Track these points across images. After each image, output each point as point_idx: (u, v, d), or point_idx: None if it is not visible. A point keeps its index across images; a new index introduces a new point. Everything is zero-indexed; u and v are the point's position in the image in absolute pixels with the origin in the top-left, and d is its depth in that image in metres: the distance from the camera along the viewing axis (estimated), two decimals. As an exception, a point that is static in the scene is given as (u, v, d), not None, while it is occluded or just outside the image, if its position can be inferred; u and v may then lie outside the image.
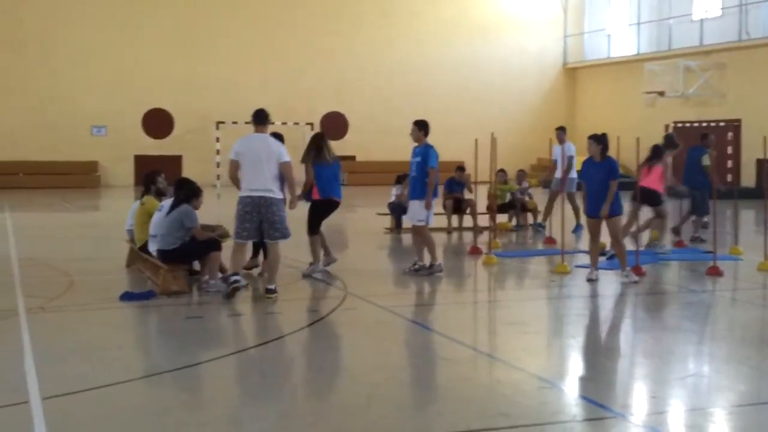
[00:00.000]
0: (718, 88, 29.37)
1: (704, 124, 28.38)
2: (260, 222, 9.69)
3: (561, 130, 16.82)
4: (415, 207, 11.60)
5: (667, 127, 28.87)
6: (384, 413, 6.03)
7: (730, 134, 25.10)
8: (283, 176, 9.79)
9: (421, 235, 11.81)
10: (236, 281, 9.64)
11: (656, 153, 13.87)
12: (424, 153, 11.50)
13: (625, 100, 33.31)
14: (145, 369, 7.24)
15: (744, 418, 6.10)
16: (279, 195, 9.77)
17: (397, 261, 14.45)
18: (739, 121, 28.23)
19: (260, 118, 9.92)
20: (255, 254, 11.67)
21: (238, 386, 6.89)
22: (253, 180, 9.62)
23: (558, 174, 16.23)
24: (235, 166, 9.85)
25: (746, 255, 13.28)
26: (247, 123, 11.17)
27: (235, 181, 9.91)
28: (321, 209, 11.77)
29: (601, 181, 10.98)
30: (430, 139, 11.74)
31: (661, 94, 30.46)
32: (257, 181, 9.59)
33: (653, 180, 13.61)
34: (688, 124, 30.44)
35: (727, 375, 7.30)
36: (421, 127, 11.67)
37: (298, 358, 7.74)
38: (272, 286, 9.87)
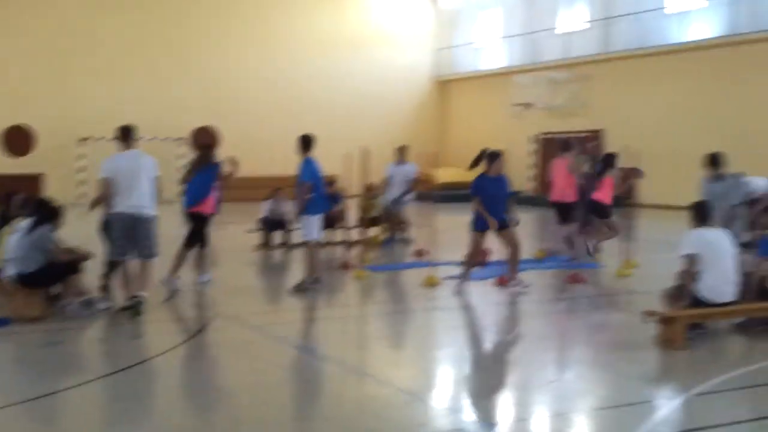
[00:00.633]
0: (584, 99, 30.35)
1: (570, 135, 29.32)
2: (132, 239, 9.72)
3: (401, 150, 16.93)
4: (302, 223, 11.80)
5: (536, 137, 29.66)
6: (249, 435, 5.94)
7: (592, 144, 25.93)
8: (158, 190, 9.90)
9: (308, 249, 11.85)
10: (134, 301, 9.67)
11: (608, 163, 13.99)
12: (301, 168, 11.62)
13: (495, 111, 34.05)
14: (-2, 400, 6.89)
15: (604, 421, 6.27)
16: (154, 212, 9.86)
17: (267, 278, 14.33)
18: (602, 131, 29.25)
19: (128, 135, 9.93)
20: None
21: (99, 413, 6.64)
22: (128, 197, 9.63)
23: (393, 193, 16.40)
24: (108, 185, 9.75)
25: (608, 262, 13.73)
26: (109, 140, 10.95)
27: (107, 199, 9.80)
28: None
29: (504, 195, 11.39)
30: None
31: (529, 105, 31.27)
32: (131, 199, 9.62)
33: (604, 193, 13.74)
34: (554, 135, 31.39)
35: (588, 380, 7.52)
36: (300, 141, 11.78)
37: (164, 381, 7.52)
38: (143, 293, 9.78)
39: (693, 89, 27.14)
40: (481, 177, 11.42)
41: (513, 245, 11.40)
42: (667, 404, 6.54)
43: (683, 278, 8.50)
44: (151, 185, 9.82)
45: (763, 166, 22.24)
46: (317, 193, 11.58)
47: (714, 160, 11.48)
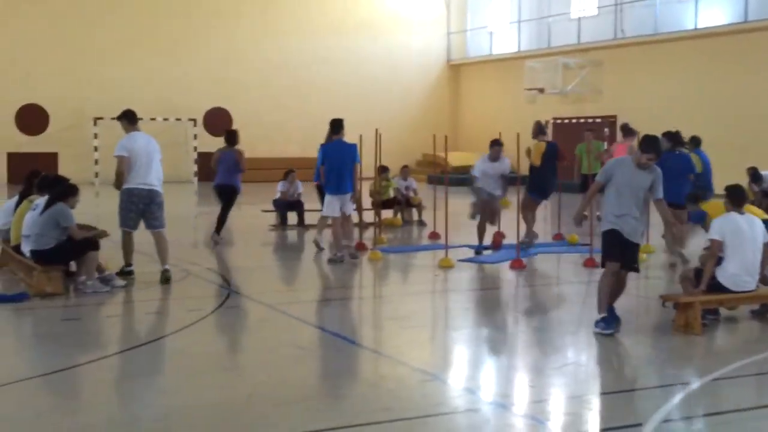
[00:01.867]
0: (595, 85, 30.25)
1: (582, 121, 29.24)
2: (143, 213, 10.53)
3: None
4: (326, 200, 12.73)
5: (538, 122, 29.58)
6: (265, 411, 5.97)
7: (606, 130, 25.80)
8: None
9: (332, 226, 12.83)
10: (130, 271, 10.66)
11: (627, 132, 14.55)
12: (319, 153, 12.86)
13: (507, 96, 33.97)
14: (17, 373, 6.92)
15: (620, 405, 6.29)
16: (161, 189, 10.67)
17: (281, 258, 14.37)
18: (614, 117, 29.16)
19: (135, 118, 10.72)
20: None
21: (116, 389, 6.69)
22: (146, 175, 10.42)
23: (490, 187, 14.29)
24: (127, 162, 10.39)
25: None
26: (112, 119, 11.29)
27: (122, 176, 10.45)
28: None
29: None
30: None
31: (541, 90, 31.19)
32: (149, 177, 10.44)
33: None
34: (566, 120, 31.30)
35: (604, 363, 7.54)
36: (330, 126, 12.80)
37: (180, 358, 7.55)
38: (167, 267, 10.60)
39: (705, 76, 27.02)
40: None
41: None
42: (683, 389, 6.54)
43: (706, 262, 8.45)
44: (160, 165, 10.69)
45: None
46: (337, 174, 12.35)
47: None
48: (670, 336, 8.15)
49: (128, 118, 10.70)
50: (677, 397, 6.27)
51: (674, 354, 7.77)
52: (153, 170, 10.50)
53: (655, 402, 6.11)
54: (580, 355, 7.75)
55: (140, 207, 10.51)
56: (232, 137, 14.72)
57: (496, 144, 13.21)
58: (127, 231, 10.70)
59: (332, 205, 12.52)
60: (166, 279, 10.43)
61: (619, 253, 8.11)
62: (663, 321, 8.52)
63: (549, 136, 14.42)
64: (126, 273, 10.61)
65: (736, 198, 8.51)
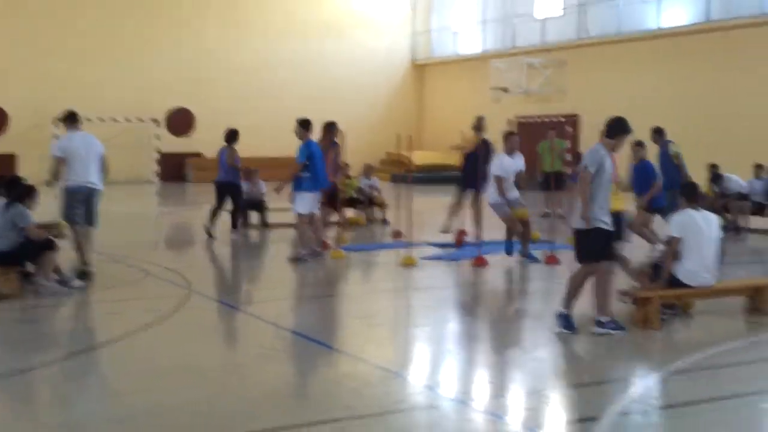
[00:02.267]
0: (559, 84, 30.41)
1: (546, 120, 29.40)
2: (85, 209, 10.62)
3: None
4: (295, 199, 12.53)
5: (508, 121, 29.75)
6: (229, 411, 5.92)
7: (569, 129, 25.97)
8: (104, 166, 10.90)
9: (300, 224, 12.63)
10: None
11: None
12: (299, 149, 12.49)
13: (472, 96, 34.05)
14: (-29, 376, 6.83)
15: (580, 398, 6.32)
16: (101, 187, 10.79)
17: (243, 258, 14.29)
18: (577, 116, 29.36)
19: (76, 119, 10.97)
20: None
21: (74, 391, 6.59)
22: (85, 174, 10.58)
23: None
24: (62, 163, 10.62)
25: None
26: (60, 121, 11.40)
27: (56, 176, 10.69)
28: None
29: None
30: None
31: (506, 90, 31.30)
32: (88, 175, 10.59)
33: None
34: (531, 120, 31.46)
35: (564, 357, 7.58)
36: (301, 125, 12.65)
37: (139, 359, 7.47)
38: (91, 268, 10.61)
39: (667, 75, 27.27)
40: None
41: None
42: (641, 382, 6.60)
43: (665, 258, 8.51)
44: (99, 163, 10.77)
45: (735, 150, 22.48)
46: (313, 172, 12.36)
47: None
48: (628, 330, 8.20)
49: (68, 120, 11.00)
50: (635, 391, 6.32)
51: (633, 348, 7.83)
52: (92, 169, 10.65)
53: (612, 395, 6.15)
54: (539, 350, 7.78)
55: (82, 203, 10.63)
56: (228, 135, 15.88)
57: (512, 135, 12.59)
58: (74, 226, 10.71)
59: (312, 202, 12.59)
60: (84, 275, 10.36)
61: (611, 251, 8.16)
62: (621, 316, 8.57)
63: (485, 134, 14.20)
64: (83, 274, 10.45)
65: (690, 195, 8.60)
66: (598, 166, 7.88)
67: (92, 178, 10.65)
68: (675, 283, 8.42)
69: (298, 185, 12.38)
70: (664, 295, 8.38)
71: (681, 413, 5.91)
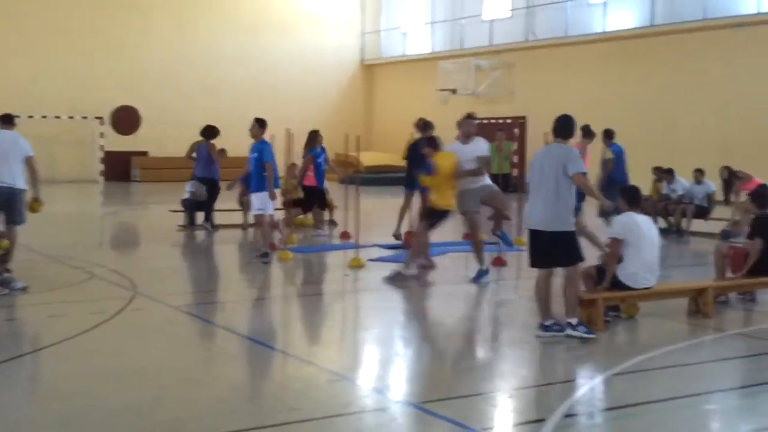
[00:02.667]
0: (507, 86, 30.62)
1: (493, 121, 29.60)
2: (2, 208, 10.28)
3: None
4: (255, 199, 12.63)
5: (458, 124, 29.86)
6: (173, 414, 5.87)
7: (516, 131, 26.25)
8: (32, 169, 10.55)
9: (260, 224, 12.74)
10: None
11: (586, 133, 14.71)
12: (261, 149, 12.46)
13: (421, 97, 34.12)
14: None
15: (526, 401, 6.37)
16: (24, 186, 10.43)
17: (190, 259, 14.16)
18: (524, 118, 29.61)
19: (8, 120, 10.72)
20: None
21: (15, 393, 6.46)
22: (7, 173, 10.28)
23: None
24: None
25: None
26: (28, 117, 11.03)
27: None
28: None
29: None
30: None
31: (454, 91, 31.43)
32: (3, 175, 10.25)
33: None
34: (477, 121, 31.62)
35: (510, 360, 7.63)
36: (261, 124, 12.65)
37: (82, 361, 7.35)
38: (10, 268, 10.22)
39: (613, 78, 27.62)
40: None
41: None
42: (586, 384, 6.67)
43: (607, 260, 8.61)
44: (22, 163, 10.44)
45: (679, 153, 22.87)
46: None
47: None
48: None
49: (1, 120, 10.73)
50: (579, 393, 6.39)
51: (577, 350, 7.92)
52: (15, 169, 10.35)
53: (558, 398, 6.21)
54: (485, 353, 7.84)
55: (3, 203, 10.31)
56: (206, 131, 16.47)
57: (466, 119, 11.72)
58: None
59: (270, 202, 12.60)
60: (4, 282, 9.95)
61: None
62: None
63: (426, 133, 14.16)
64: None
65: (632, 199, 8.72)
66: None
67: (11, 178, 10.27)
68: (617, 285, 8.53)
69: (262, 185, 12.43)
70: (609, 297, 8.49)
71: (625, 415, 5.99)
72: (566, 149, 8.09)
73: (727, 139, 22.98)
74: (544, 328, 7.98)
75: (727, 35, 24.29)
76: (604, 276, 8.53)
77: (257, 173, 12.54)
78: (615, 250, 8.47)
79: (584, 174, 8.07)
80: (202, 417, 5.80)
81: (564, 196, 7.86)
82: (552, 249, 7.95)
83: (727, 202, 17.89)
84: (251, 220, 16.75)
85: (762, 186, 11.04)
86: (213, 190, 16.14)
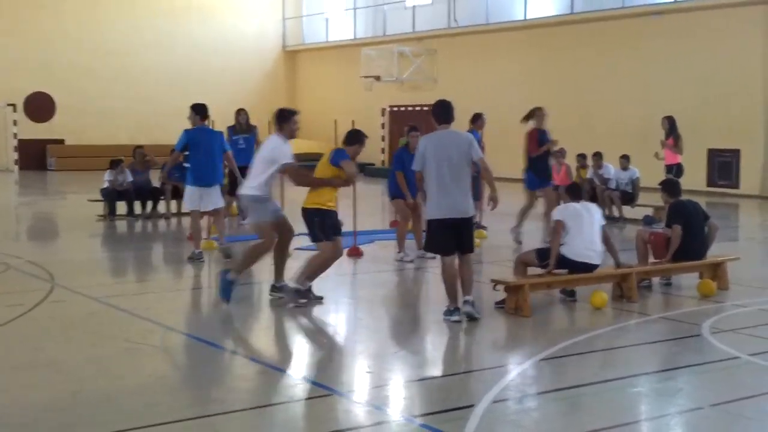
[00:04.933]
0: (430, 73, 30.71)
1: (417, 108, 29.67)
2: None
3: None
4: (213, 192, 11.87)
5: (383, 111, 29.85)
6: (92, 407, 5.70)
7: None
8: None
9: (219, 217, 12.15)
10: None
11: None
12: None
13: (344, 83, 34.02)
14: None
15: (455, 387, 6.36)
16: None
17: (110, 249, 13.83)
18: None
19: None
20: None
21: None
22: None
23: None
24: None
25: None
26: None
27: None
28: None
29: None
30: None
31: (378, 78, 31.39)
32: None
33: None
34: (402, 108, 31.68)
35: (439, 347, 7.63)
36: (195, 110, 11.71)
37: (0, 354, 7.12)
38: None
39: (534, 65, 27.91)
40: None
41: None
42: (514, 369, 6.69)
43: (551, 240, 8.95)
44: None
45: (599, 140, 23.22)
46: (193, 164, 11.72)
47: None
48: (501, 318, 8.34)
49: None
50: (507, 378, 6.40)
51: (505, 336, 7.97)
52: None
53: (486, 383, 6.21)
54: (415, 340, 7.82)
55: None
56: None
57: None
58: None
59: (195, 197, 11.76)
60: None
61: None
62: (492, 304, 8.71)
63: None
64: None
65: (573, 193, 9.28)
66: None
67: None
68: (564, 262, 8.83)
69: (182, 177, 12.01)
70: (535, 283, 8.59)
71: (554, 398, 6.03)
72: (466, 136, 8.46)
73: (646, 126, 23.41)
74: (450, 312, 8.07)
75: (645, 23, 24.76)
76: (547, 257, 8.83)
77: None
78: (557, 230, 8.86)
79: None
80: (121, 410, 5.64)
81: (468, 181, 8.18)
82: (469, 235, 8.18)
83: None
84: (173, 209, 16.48)
85: (670, 179, 11.30)
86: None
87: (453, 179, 8.01)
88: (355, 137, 9.21)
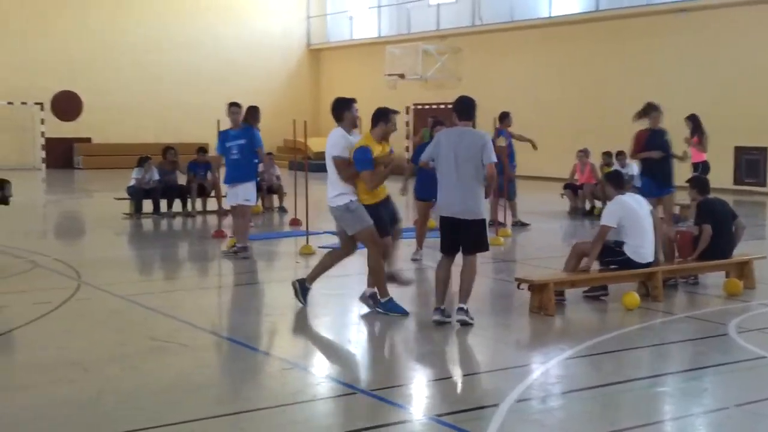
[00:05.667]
0: (455, 71, 30.65)
1: (442, 106, 29.60)
2: None
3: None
4: (242, 189, 11.74)
5: (407, 109, 29.82)
6: (117, 405, 5.74)
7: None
8: None
9: (244, 216, 11.85)
10: None
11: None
12: (250, 135, 11.88)
13: (368, 81, 34.00)
14: None
15: (481, 386, 6.35)
16: None
17: (136, 247, 13.92)
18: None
19: None
20: None
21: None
22: None
23: None
24: None
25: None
26: None
27: None
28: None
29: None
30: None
31: (402, 76, 31.37)
32: None
33: None
34: (427, 106, 31.64)
35: (465, 346, 7.62)
36: (239, 107, 12.02)
37: (26, 353, 7.19)
38: None
39: (559, 63, 27.76)
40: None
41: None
42: (539, 368, 6.67)
43: (594, 243, 8.78)
44: None
45: (625, 137, 23.06)
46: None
47: None
48: (526, 317, 8.32)
49: None
50: (531, 377, 6.39)
51: (529, 335, 7.94)
52: None
53: (510, 383, 6.20)
54: (438, 339, 7.80)
55: None
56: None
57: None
58: None
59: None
60: None
61: None
62: (520, 303, 8.68)
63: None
64: None
65: (617, 182, 9.12)
66: None
67: None
68: (628, 264, 8.86)
69: (251, 174, 11.92)
70: (559, 282, 8.56)
71: (577, 397, 6.00)
72: (482, 137, 8.01)
73: (670, 122, 23.22)
74: (434, 311, 7.99)
75: (670, 20, 24.57)
76: (612, 256, 8.84)
77: (245, 161, 11.83)
78: (603, 234, 8.74)
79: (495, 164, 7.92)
80: (148, 408, 5.68)
81: (480, 183, 7.82)
82: (474, 236, 7.89)
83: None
84: (198, 206, 16.57)
85: (699, 176, 11.22)
86: None
87: (458, 178, 7.80)
88: (376, 116, 8.35)
